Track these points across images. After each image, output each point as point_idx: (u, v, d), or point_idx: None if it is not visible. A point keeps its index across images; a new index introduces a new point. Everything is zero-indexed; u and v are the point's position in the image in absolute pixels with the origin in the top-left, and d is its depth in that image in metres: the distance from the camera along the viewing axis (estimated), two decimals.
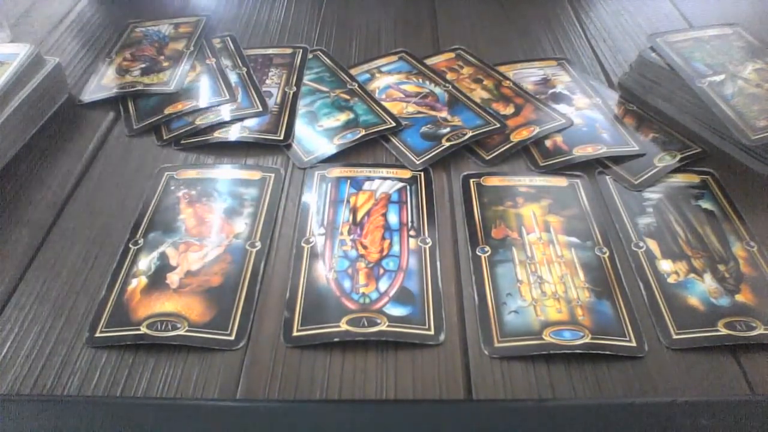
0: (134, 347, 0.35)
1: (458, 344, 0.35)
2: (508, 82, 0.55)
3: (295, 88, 0.54)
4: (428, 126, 0.50)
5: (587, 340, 0.34)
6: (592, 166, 0.47)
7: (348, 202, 0.43)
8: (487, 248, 0.40)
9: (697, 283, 0.38)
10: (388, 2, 0.69)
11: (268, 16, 0.67)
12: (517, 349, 0.34)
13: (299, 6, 0.68)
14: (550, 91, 0.55)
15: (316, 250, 0.40)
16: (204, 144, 0.49)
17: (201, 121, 0.50)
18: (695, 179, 0.46)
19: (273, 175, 0.46)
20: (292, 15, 0.67)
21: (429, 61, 0.58)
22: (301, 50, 0.60)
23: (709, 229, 0.41)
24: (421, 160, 0.47)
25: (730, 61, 0.51)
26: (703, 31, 0.56)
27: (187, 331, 0.35)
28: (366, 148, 0.49)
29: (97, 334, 0.35)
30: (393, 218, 0.42)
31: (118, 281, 0.38)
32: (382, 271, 0.38)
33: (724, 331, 0.35)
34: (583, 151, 0.47)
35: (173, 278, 0.38)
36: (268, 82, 0.55)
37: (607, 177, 0.46)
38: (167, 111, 0.51)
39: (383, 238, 0.41)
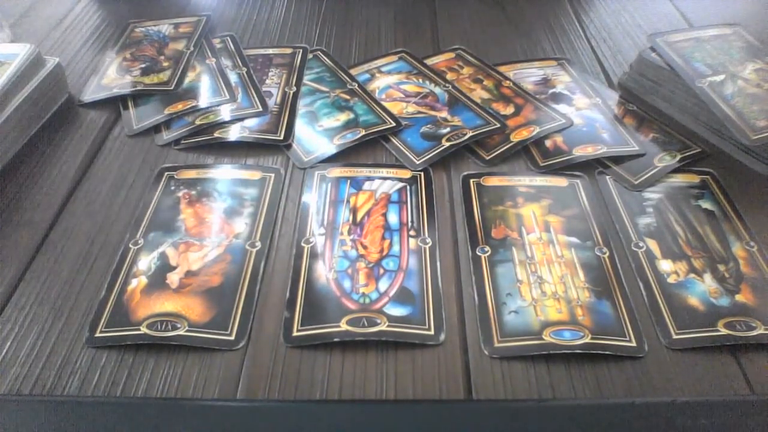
0: (134, 347, 0.35)
1: (458, 344, 0.35)
2: (508, 82, 0.55)
3: (295, 88, 0.54)
4: (428, 126, 0.50)
5: (587, 340, 0.34)
6: (592, 166, 0.47)
7: (348, 202, 0.43)
8: (487, 248, 0.40)
9: (697, 283, 0.38)
10: (388, 2, 0.69)
11: (268, 16, 0.67)
12: (517, 349, 0.34)
13: (299, 6, 0.68)
14: (550, 91, 0.55)
15: (316, 250, 0.40)
16: (204, 144, 0.49)
17: (201, 121, 0.50)
18: (695, 179, 0.46)
19: (273, 175, 0.46)
20: (292, 15, 0.67)
21: (429, 61, 0.58)
22: (301, 50, 0.60)
23: (709, 229, 0.41)
24: (421, 160, 0.47)
25: (730, 61, 0.51)
26: (703, 31, 0.56)
27: (187, 331, 0.35)
28: (366, 148, 0.49)
29: (97, 334, 0.35)
30: (393, 218, 0.42)
31: (118, 281, 0.38)
32: (382, 271, 0.38)
33: (724, 331, 0.35)
34: (583, 151, 0.47)
35: (173, 278, 0.38)
36: (268, 82, 0.55)
37: (607, 177, 0.46)
38: (167, 111, 0.51)
39: (383, 238, 0.41)
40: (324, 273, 0.38)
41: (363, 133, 0.49)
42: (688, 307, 0.36)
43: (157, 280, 0.38)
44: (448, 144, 0.48)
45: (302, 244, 0.40)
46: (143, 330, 0.35)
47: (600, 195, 0.44)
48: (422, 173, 0.46)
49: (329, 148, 0.48)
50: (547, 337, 0.34)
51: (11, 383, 0.33)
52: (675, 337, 0.35)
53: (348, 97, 0.53)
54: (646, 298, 0.37)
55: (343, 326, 0.35)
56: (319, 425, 0.31)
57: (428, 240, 0.41)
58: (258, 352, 0.34)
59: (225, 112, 0.51)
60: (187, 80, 0.55)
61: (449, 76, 0.56)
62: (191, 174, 0.46)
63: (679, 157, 0.47)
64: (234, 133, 0.49)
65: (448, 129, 0.49)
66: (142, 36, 0.62)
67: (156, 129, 0.51)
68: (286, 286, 0.38)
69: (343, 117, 0.51)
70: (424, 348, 0.34)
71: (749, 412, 0.31)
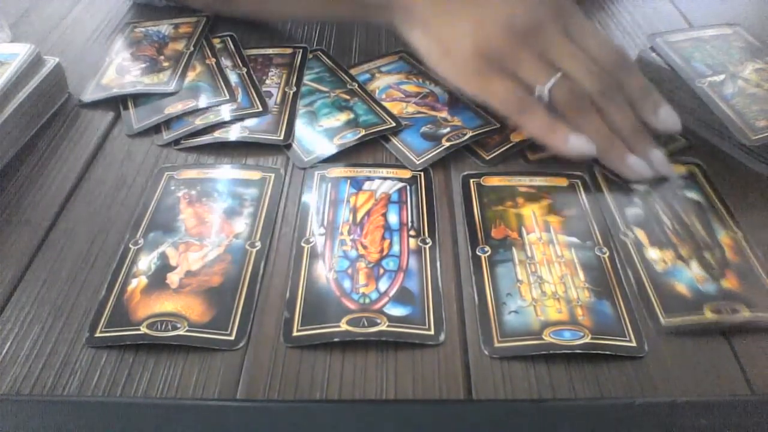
0: (134, 347, 0.35)
1: (458, 344, 0.35)
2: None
3: (295, 88, 0.54)
4: (428, 126, 0.50)
5: (587, 340, 0.34)
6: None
7: (348, 202, 0.43)
8: (487, 248, 0.40)
9: (684, 270, 0.38)
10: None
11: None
12: (517, 349, 0.34)
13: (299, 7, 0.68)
14: None
15: (316, 250, 0.40)
16: (204, 144, 0.49)
17: (201, 121, 0.50)
18: (681, 170, 0.46)
19: (273, 175, 0.46)
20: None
21: None
22: (301, 50, 0.60)
23: (694, 217, 0.42)
24: (421, 160, 0.47)
25: (730, 61, 0.51)
26: (703, 31, 0.56)
27: (187, 331, 0.35)
28: (366, 148, 0.49)
29: (97, 334, 0.35)
30: (393, 218, 0.42)
31: (118, 281, 0.38)
32: (382, 271, 0.38)
33: (710, 316, 0.36)
34: None
35: (173, 278, 0.38)
36: (268, 82, 0.55)
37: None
38: (167, 111, 0.51)
39: (383, 238, 0.41)
40: (324, 273, 0.38)
41: (363, 133, 0.49)
42: (676, 293, 0.37)
43: (157, 280, 0.38)
44: (448, 144, 0.48)
45: (302, 244, 0.40)
46: (143, 330, 0.35)
47: (601, 193, 0.44)
48: (422, 173, 0.46)
49: (329, 148, 0.48)
50: (547, 337, 0.34)
51: (11, 383, 0.33)
52: (663, 323, 0.36)
53: (348, 97, 0.53)
54: (635, 285, 0.38)
55: (343, 326, 0.35)
56: (319, 425, 0.31)
57: (428, 240, 0.41)
58: (258, 352, 0.34)
59: (225, 112, 0.51)
60: (187, 80, 0.55)
61: None
62: (191, 174, 0.46)
63: (664, 149, 0.48)
64: (234, 133, 0.49)
65: (448, 129, 0.49)
66: (142, 36, 0.62)
67: (156, 129, 0.51)
68: (286, 286, 0.38)
69: (343, 117, 0.51)
70: (424, 348, 0.34)
71: (749, 412, 0.31)
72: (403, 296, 0.37)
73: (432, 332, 0.35)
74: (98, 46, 0.61)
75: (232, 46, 0.60)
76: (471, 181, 0.45)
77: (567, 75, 0.44)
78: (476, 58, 0.45)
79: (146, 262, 0.39)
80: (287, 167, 0.47)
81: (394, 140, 0.49)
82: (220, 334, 0.35)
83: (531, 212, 0.43)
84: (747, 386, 0.33)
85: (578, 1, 0.48)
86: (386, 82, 0.55)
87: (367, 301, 0.36)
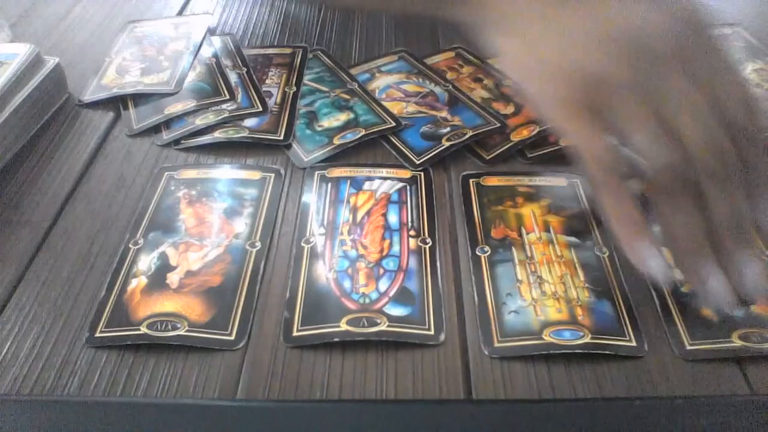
0: (134, 347, 0.35)
1: (458, 344, 0.35)
2: (508, 81, 0.55)
3: (295, 88, 0.54)
4: (428, 126, 0.50)
5: (587, 340, 0.34)
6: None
7: (348, 202, 0.43)
8: (487, 248, 0.40)
9: None
10: (389, 2, 0.69)
11: (268, 16, 0.67)
12: (517, 349, 0.34)
13: (299, 6, 0.68)
14: None
15: (316, 250, 0.40)
16: (204, 144, 0.49)
17: (201, 121, 0.50)
18: None
19: (273, 175, 0.46)
20: (292, 15, 0.67)
21: (429, 61, 0.58)
22: (301, 50, 0.60)
23: None
24: (421, 160, 0.47)
25: None
26: None
27: (187, 331, 0.35)
28: (366, 148, 0.49)
29: (97, 334, 0.35)
30: (393, 218, 0.42)
31: (118, 281, 0.38)
32: (382, 271, 0.38)
33: (739, 343, 0.34)
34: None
35: (173, 278, 0.38)
36: (268, 82, 0.55)
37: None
38: (167, 111, 0.51)
39: (383, 238, 0.41)
40: (324, 273, 0.38)
41: (363, 133, 0.49)
42: (702, 317, 0.35)
43: (157, 280, 0.38)
44: (448, 144, 0.48)
45: (302, 244, 0.40)
46: (143, 330, 0.35)
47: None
48: (422, 173, 0.46)
49: (329, 148, 0.48)
50: (547, 337, 0.34)
51: (11, 383, 0.33)
52: (688, 348, 0.34)
53: (348, 96, 0.53)
54: (660, 309, 0.36)
55: (343, 326, 0.35)
56: (319, 425, 0.31)
57: (428, 240, 0.41)
58: (258, 352, 0.34)
59: (225, 112, 0.51)
60: (187, 80, 0.55)
61: (449, 75, 0.56)
62: (191, 174, 0.46)
63: None
64: (234, 133, 0.49)
65: (448, 129, 0.49)
66: (142, 36, 0.62)
67: (156, 129, 0.51)
68: (286, 286, 0.38)
69: (343, 117, 0.51)
70: (424, 348, 0.34)
71: (749, 412, 0.31)
72: (403, 296, 0.37)
73: (432, 332, 0.35)
74: (98, 46, 0.61)
75: (232, 46, 0.60)
76: (471, 181, 0.45)
77: (674, 136, 0.32)
78: (569, 88, 0.35)
79: (146, 262, 0.39)
80: (287, 167, 0.47)
81: (394, 140, 0.49)
82: (220, 334, 0.35)
83: (531, 212, 0.43)
84: (747, 386, 0.33)
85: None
86: (386, 82, 0.55)
87: (367, 301, 0.36)
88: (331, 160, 0.47)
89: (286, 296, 0.37)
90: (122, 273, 0.38)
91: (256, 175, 0.46)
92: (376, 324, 0.35)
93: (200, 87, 0.54)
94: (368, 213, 0.43)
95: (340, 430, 0.31)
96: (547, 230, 0.41)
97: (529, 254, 0.40)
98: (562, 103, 0.36)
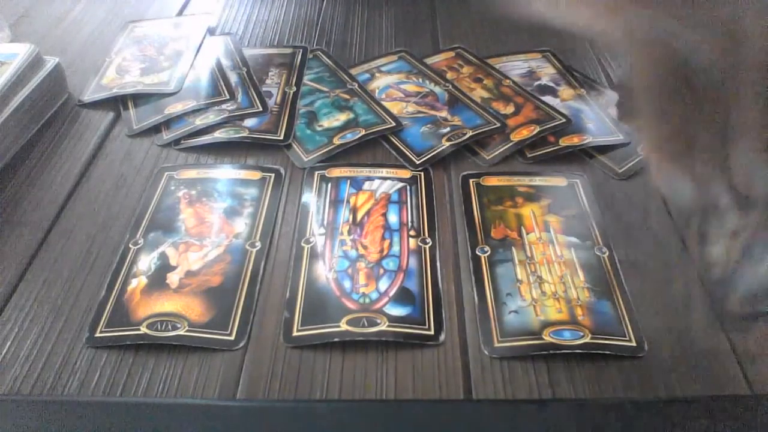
0: (134, 347, 0.35)
1: (458, 344, 0.35)
2: (508, 81, 0.55)
3: (295, 88, 0.54)
4: (428, 126, 0.50)
5: (587, 340, 0.34)
6: (577, 156, 0.48)
7: (348, 202, 0.43)
8: (487, 248, 0.40)
9: None
10: (389, 2, 0.69)
11: (268, 16, 0.67)
12: (517, 349, 0.34)
13: (299, 6, 0.68)
14: (536, 83, 0.55)
15: (316, 250, 0.40)
16: (204, 144, 0.49)
17: (201, 121, 0.50)
18: None
19: (273, 175, 0.46)
20: (292, 15, 0.67)
21: (429, 61, 0.58)
22: (301, 50, 0.60)
23: None
24: (421, 160, 0.47)
25: None
26: None
27: (187, 331, 0.35)
28: (366, 148, 0.49)
29: (97, 334, 0.35)
30: (393, 218, 0.42)
31: (118, 281, 0.38)
32: (382, 271, 0.38)
33: None
34: (570, 142, 0.48)
35: (173, 278, 0.38)
36: (268, 82, 0.55)
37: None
38: (167, 111, 0.51)
39: (383, 238, 0.41)
40: (324, 273, 0.38)
41: (363, 132, 0.49)
42: None
43: (157, 280, 0.38)
44: (448, 144, 0.48)
45: (302, 244, 0.40)
46: (143, 330, 0.35)
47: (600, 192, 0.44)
48: (422, 173, 0.46)
49: (329, 148, 0.48)
50: (547, 337, 0.34)
51: (11, 383, 0.33)
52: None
53: (348, 96, 0.53)
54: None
55: (343, 326, 0.35)
56: (319, 425, 0.31)
57: (428, 240, 0.41)
58: (258, 352, 0.34)
59: (225, 112, 0.51)
60: (187, 80, 0.55)
61: (449, 75, 0.56)
62: (191, 174, 0.46)
63: None
64: (234, 133, 0.49)
65: (448, 129, 0.49)
66: (142, 36, 0.62)
67: (156, 129, 0.51)
68: (286, 286, 0.38)
69: (343, 117, 0.51)
70: (424, 348, 0.34)
71: (749, 412, 0.31)
72: (403, 296, 0.37)
73: (432, 332, 0.35)
74: (98, 46, 0.61)
75: (232, 46, 0.60)
76: (471, 181, 0.45)
77: None
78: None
79: (146, 262, 0.39)
80: (287, 167, 0.47)
81: (394, 140, 0.49)
82: (220, 334, 0.35)
83: (530, 212, 0.43)
84: (747, 386, 0.33)
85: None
86: (386, 82, 0.55)
87: (367, 301, 0.36)
88: (331, 160, 0.47)
89: (286, 296, 0.37)
90: (122, 273, 0.38)
91: (255, 175, 0.46)
92: (376, 324, 0.35)
93: (200, 87, 0.54)
94: (368, 213, 0.43)
95: (340, 430, 0.31)
96: (547, 230, 0.41)
97: (529, 254, 0.40)
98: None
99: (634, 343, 0.34)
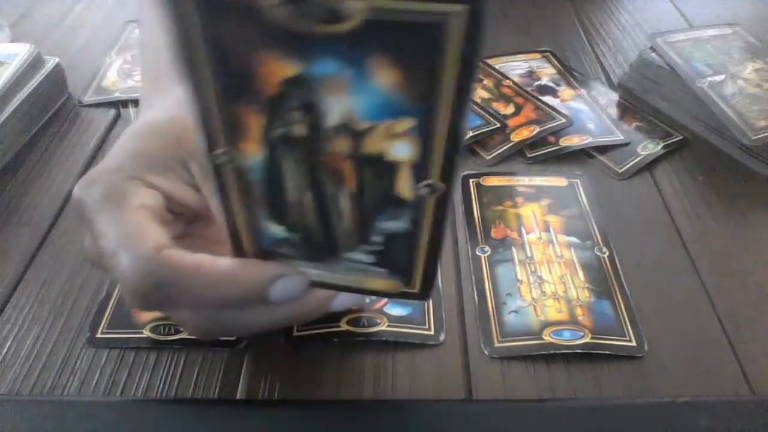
0: (134, 347, 0.34)
1: (458, 344, 0.35)
2: (508, 81, 0.55)
3: None
4: None
5: (587, 340, 0.34)
6: (577, 156, 0.48)
7: None
8: (487, 248, 0.40)
9: None
10: None
11: None
12: (517, 349, 0.34)
13: None
14: (536, 83, 0.55)
15: None
16: None
17: None
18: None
19: None
20: None
21: None
22: None
23: None
24: None
25: (730, 61, 0.51)
26: (703, 31, 0.56)
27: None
28: None
29: (98, 335, 0.35)
30: None
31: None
32: None
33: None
34: (570, 142, 0.48)
35: None
36: None
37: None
38: None
39: None
40: None
41: None
42: None
43: None
44: None
45: None
46: (146, 333, 0.35)
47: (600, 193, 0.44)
48: None
49: None
50: (547, 337, 0.34)
51: (11, 383, 0.33)
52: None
53: None
54: None
55: (343, 326, 0.35)
56: (319, 425, 0.31)
57: None
58: (258, 352, 0.34)
59: None
60: None
61: None
62: None
63: (661, 144, 0.48)
64: None
65: None
66: None
67: None
68: None
69: None
70: (424, 348, 0.34)
71: (749, 412, 0.31)
72: None
73: (432, 332, 0.35)
74: (98, 46, 0.61)
75: None
76: (471, 181, 0.45)
77: None
78: None
79: None
80: None
81: None
82: None
83: (530, 212, 0.43)
84: (747, 386, 0.33)
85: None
86: None
87: (367, 300, 0.36)
88: None
89: None
90: None
91: None
92: (376, 324, 0.35)
93: None
94: None
95: (340, 430, 0.31)
96: (547, 230, 0.41)
97: (529, 254, 0.40)
98: None
99: (634, 343, 0.34)
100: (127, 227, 0.25)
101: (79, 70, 0.57)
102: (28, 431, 0.30)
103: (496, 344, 0.34)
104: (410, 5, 0.16)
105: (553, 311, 0.36)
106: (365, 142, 0.21)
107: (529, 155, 0.48)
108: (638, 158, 0.47)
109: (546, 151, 0.48)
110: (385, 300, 0.36)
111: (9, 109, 0.47)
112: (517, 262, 0.39)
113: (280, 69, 0.19)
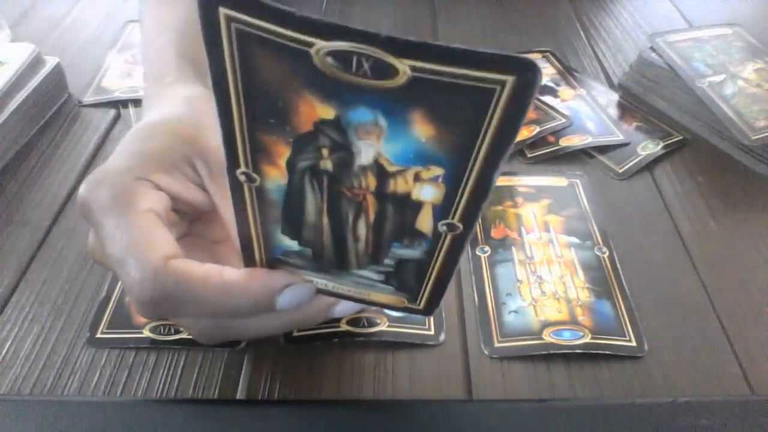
0: (134, 347, 0.34)
1: (458, 344, 0.35)
2: None
3: None
4: None
5: (587, 340, 0.34)
6: (577, 156, 0.48)
7: None
8: (487, 248, 0.40)
9: None
10: (388, 2, 0.69)
11: None
12: (517, 349, 0.34)
13: (300, 5, 0.68)
14: None
15: None
16: None
17: None
18: None
19: None
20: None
21: None
22: None
23: None
24: None
25: (730, 61, 0.51)
26: (703, 31, 0.56)
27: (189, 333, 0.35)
28: None
29: (98, 335, 0.35)
30: None
31: (119, 282, 0.38)
32: None
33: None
34: (570, 142, 0.48)
35: None
36: None
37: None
38: None
39: None
40: None
41: None
42: None
43: None
44: None
45: None
46: (146, 333, 0.35)
47: (600, 193, 0.44)
48: None
49: None
50: (547, 337, 0.34)
51: (11, 383, 0.33)
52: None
53: None
54: None
55: (343, 326, 0.35)
56: (319, 425, 0.31)
57: None
58: (258, 352, 0.34)
59: None
60: None
61: None
62: None
63: (661, 144, 0.48)
64: None
65: None
66: None
67: None
68: None
69: None
70: (424, 348, 0.34)
71: (749, 412, 0.31)
72: None
73: (432, 332, 0.35)
74: (98, 46, 0.61)
75: None
76: None
77: None
78: None
79: None
80: None
81: None
82: None
83: (530, 212, 0.43)
84: (747, 386, 0.33)
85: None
86: None
87: None
88: None
89: None
90: None
91: None
92: (376, 324, 0.35)
93: None
94: None
95: (340, 430, 0.31)
96: (547, 230, 0.41)
97: (529, 254, 0.40)
98: None
99: (634, 343, 0.34)
100: (135, 234, 0.25)
101: (79, 70, 0.57)
102: (28, 431, 0.30)
103: (496, 344, 0.34)
104: (462, 71, 0.16)
105: (553, 311, 0.36)
106: (391, 181, 0.21)
107: (529, 155, 0.48)
108: (638, 158, 0.47)
109: (546, 151, 0.48)
110: None
111: (9, 109, 0.47)
112: (517, 262, 0.39)
113: (318, 110, 0.19)
